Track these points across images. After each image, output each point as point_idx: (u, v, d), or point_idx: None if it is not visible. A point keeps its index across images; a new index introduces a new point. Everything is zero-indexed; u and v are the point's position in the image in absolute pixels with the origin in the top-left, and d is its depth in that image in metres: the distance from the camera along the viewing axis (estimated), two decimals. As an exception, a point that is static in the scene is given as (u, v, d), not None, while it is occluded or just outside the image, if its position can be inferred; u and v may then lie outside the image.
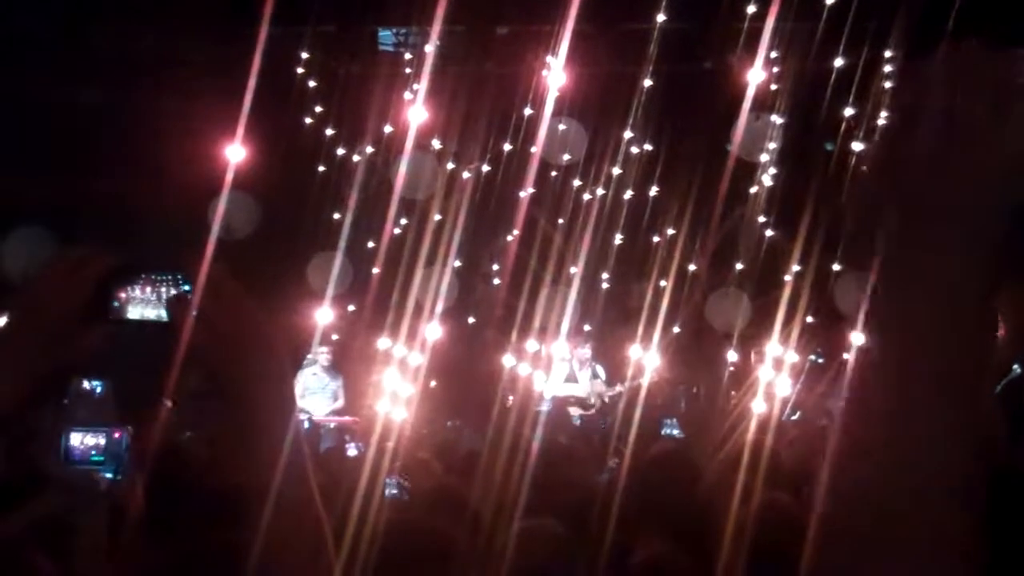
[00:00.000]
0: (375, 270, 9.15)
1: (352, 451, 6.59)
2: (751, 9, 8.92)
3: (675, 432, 7.39)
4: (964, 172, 0.84)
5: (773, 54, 9.30)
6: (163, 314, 1.40)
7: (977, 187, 0.84)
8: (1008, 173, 0.83)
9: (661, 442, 4.40)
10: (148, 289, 1.40)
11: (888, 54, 8.51)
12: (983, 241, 0.83)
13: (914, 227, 0.85)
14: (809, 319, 8.57)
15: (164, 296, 1.41)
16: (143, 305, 1.41)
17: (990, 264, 0.83)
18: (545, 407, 8.97)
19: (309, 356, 9.60)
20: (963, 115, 0.85)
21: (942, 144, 0.85)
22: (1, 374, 1.32)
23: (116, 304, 1.42)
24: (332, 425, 9.38)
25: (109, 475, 5.40)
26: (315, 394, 9.73)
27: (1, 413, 1.32)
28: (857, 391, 0.85)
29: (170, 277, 1.43)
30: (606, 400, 10.22)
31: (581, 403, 10.19)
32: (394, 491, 3.51)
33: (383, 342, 8.31)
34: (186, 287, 1.40)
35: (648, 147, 11.06)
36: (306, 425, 8.83)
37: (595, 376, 10.35)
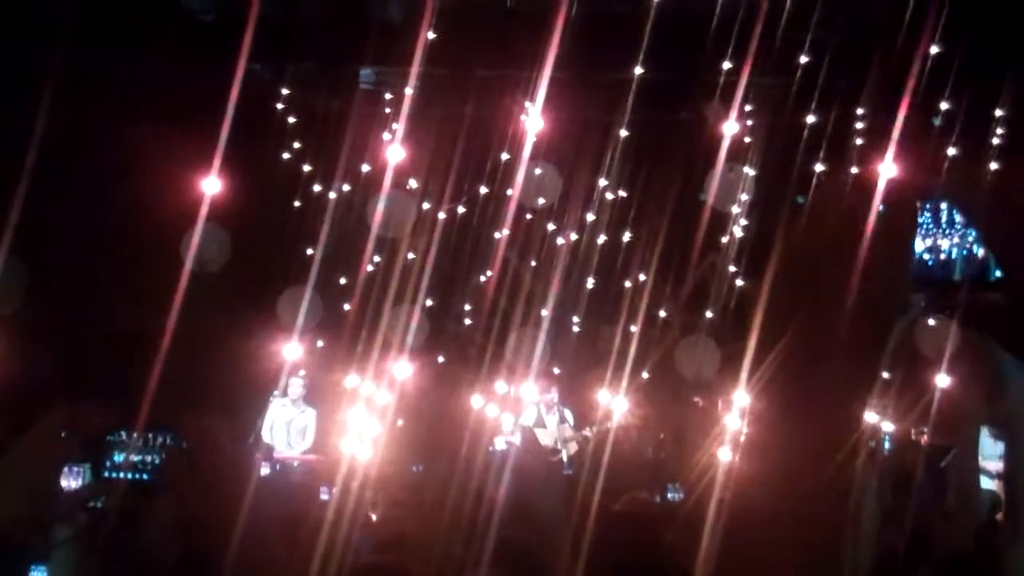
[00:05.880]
0: (346, 306, 9.12)
1: (324, 496, 6.49)
2: (727, 64, 9.07)
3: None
4: (854, 268, 0.91)
5: (747, 108, 9.46)
6: (146, 459, 1.44)
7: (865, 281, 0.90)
8: (892, 277, 0.90)
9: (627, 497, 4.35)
10: (135, 435, 1.43)
11: (859, 111, 8.67)
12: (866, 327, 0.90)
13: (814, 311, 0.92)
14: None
15: (151, 443, 1.45)
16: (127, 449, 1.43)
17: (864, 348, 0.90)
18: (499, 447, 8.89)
19: (276, 392, 9.46)
20: (862, 220, 0.92)
21: (841, 242, 0.92)
22: None
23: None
24: (296, 464, 9.25)
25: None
26: (281, 428, 9.58)
27: None
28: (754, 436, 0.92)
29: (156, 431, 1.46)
30: (571, 449, 10.13)
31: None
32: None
33: (351, 379, 8.24)
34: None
35: (622, 193, 11.18)
36: (267, 468, 8.69)
37: (563, 420, 10.28)
